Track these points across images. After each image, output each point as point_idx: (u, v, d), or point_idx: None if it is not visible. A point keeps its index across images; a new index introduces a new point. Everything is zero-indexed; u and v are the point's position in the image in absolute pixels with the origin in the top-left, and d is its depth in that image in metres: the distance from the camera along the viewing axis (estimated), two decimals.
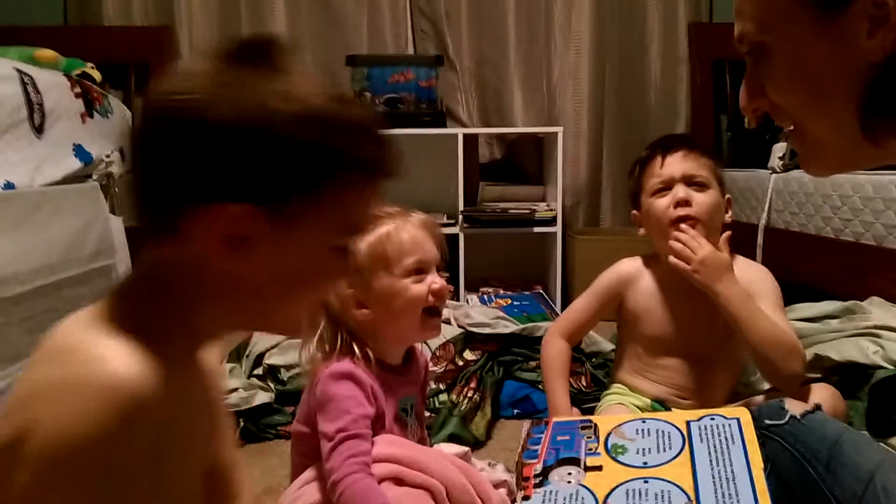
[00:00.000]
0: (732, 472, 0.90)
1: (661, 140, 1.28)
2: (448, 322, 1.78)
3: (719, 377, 1.25)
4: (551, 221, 2.50)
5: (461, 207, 2.47)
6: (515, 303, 2.45)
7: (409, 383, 0.98)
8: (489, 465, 1.03)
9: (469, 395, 1.48)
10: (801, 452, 0.93)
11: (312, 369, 0.93)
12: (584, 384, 1.59)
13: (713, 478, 0.90)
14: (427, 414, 1.46)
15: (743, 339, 1.15)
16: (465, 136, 2.48)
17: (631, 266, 1.30)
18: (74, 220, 1.82)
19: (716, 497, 0.87)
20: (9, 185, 1.59)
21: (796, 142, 0.64)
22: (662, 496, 0.90)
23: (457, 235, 2.47)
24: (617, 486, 0.93)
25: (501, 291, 2.58)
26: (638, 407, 1.27)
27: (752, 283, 1.20)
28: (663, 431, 1.01)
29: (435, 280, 0.94)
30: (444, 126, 2.57)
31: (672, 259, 1.18)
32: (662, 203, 1.21)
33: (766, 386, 1.44)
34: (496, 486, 0.95)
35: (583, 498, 0.92)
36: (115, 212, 2.08)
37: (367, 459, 0.83)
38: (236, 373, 1.60)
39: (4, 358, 1.48)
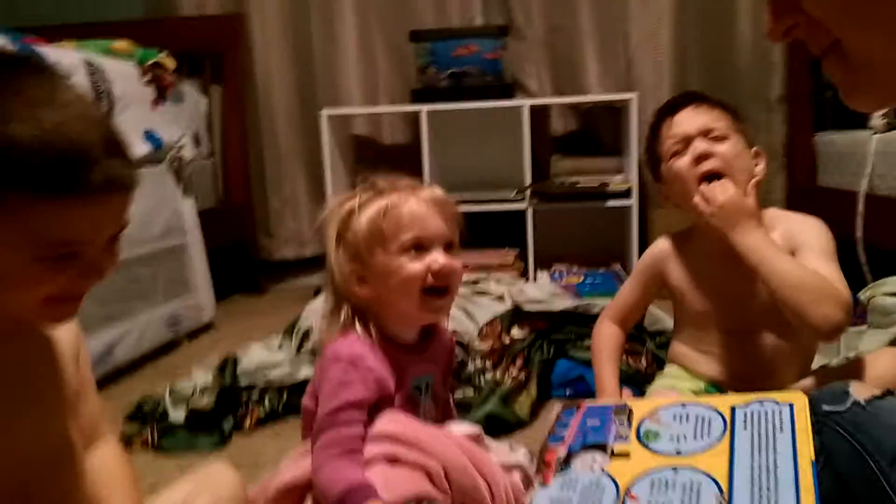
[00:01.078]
0: (775, 462, 0.79)
1: (666, 103, 1.19)
2: (502, 298, 1.72)
3: (782, 355, 1.11)
4: (626, 194, 2.36)
5: (528, 182, 2.38)
6: (588, 280, 2.35)
7: (424, 361, 0.93)
8: (510, 448, 0.96)
9: (514, 373, 1.41)
10: (863, 444, 0.80)
11: (323, 344, 0.90)
12: (645, 364, 1.48)
13: (752, 469, 0.80)
14: (470, 392, 1.41)
15: (766, 286, 1.04)
16: (532, 107, 2.38)
17: (668, 243, 1.20)
18: (144, 201, 1.90)
19: (752, 490, 0.77)
20: None
21: (837, 67, 0.51)
22: (691, 487, 0.80)
23: (524, 212, 2.39)
24: (642, 476, 0.84)
25: (575, 269, 2.47)
26: (693, 392, 1.16)
27: (798, 233, 1.09)
28: (703, 417, 0.90)
29: (436, 259, 0.86)
30: (511, 98, 2.47)
31: (696, 200, 1.08)
32: (683, 162, 1.10)
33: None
34: (509, 469, 0.89)
35: (604, 487, 0.84)
36: (187, 194, 2.16)
37: (347, 447, 0.80)
38: (285, 348, 1.61)
39: None
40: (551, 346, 1.49)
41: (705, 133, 1.10)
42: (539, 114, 2.62)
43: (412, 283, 0.85)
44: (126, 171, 0.57)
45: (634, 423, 0.93)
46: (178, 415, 1.38)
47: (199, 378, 1.48)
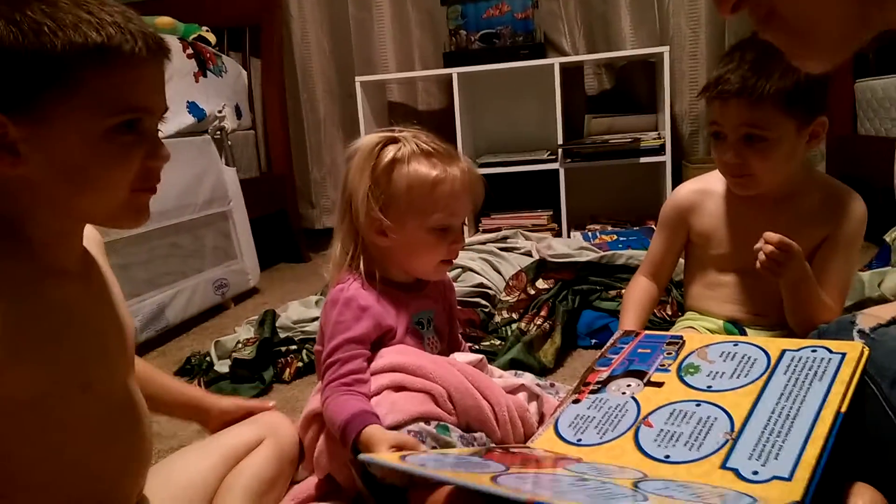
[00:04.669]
0: (798, 410, 0.79)
1: (722, 71, 1.06)
2: (529, 254, 1.75)
3: None
4: (659, 150, 2.34)
5: (560, 141, 2.38)
6: (621, 238, 2.35)
7: (422, 299, 0.98)
8: (515, 374, 1.01)
9: (539, 322, 1.44)
10: (865, 368, 0.81)
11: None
12: (669, 313, 1.49)
13: (772, 413, 0.80)
14: (497, 342, 1.45)
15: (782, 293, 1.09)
16: (563, 66, 2.37)
17: (691, 190, 1.21)
18: (187, 170, 1.99)
19: (762, 432, 0.77)
20: None
21: (779, 34, 0.53)
22: (705, 422, 0.82)
23: (557, 171, 2.39)
24: (665, 405, 0.86)
25: (609, 228, 2.47)
26: (710, 330, 1.18)
27: (839, 216, 1.10)
28: (749, 357, 0.91)
29: (456, 240, 0.95)
30: (544, 57, 2.47)
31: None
32: (718, 151, 1.10)
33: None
34: (513, 391, 0.93)
35: (627, 411, 0.87)
36: (229, 163, 2.25)
37: (348, 379, 0.85)
38: (321, 305, 1.68)
39: (126, 293, 1.67)
40: (576, 296, 1.52)
41: (748, 128, 1.05)
42: (573, 73, 2.61)
43: (433, 258, 0.93)
44: (160, 39, 0.62)
45: (681, 356, 0.95)
46: (222, 367, 1.47)
47: (242, 333, 1.57)
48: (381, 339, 0.90)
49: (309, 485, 0.88)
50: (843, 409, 0.75)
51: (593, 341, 1.50)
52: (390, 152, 0.91)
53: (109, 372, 0.67)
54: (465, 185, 0.93)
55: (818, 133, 1.08)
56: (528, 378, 0.97)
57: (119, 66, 0.59)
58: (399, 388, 0.85)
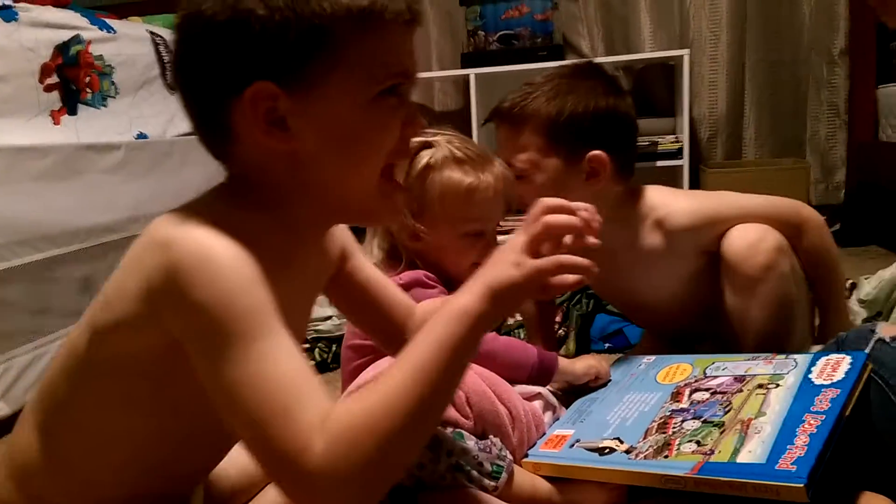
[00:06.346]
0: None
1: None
2: None
3: (668, 306, 1.12)
4: (677, 154, 2.32)
5: None
6: None
7: None
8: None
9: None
10: (885, 378, 0.80)
11: None
12: None
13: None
14: None
15: None
16: None
17: None
18: (203, 167, 1.99)
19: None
20: (142, 136, 1.78)
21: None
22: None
23: None
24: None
25: None
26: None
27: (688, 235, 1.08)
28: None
29: (489, 244, 0.96)
30: (562, 59, 2.46)
31: None
32: None
33: None
34: (530, 398, 0.93)
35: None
36: None
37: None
38: None
39: None
40: (590, 300, 1.52)
41: (512, 160, 1.02)
42: None
43: (465, 260, 0.95)
44: (417, 2, 0.60)
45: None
46: None
47: None
48: None
49: None
50: (846, 414, 0.75)
51: (607, 345, 1.49)
52: (423, 158, 0.93)
53: None
54: (498, 191, 0.95)
55: (596, 171, 1.00)
56: (545, 388, 0.97)
57: (384, 30, 0.57)
58: None
